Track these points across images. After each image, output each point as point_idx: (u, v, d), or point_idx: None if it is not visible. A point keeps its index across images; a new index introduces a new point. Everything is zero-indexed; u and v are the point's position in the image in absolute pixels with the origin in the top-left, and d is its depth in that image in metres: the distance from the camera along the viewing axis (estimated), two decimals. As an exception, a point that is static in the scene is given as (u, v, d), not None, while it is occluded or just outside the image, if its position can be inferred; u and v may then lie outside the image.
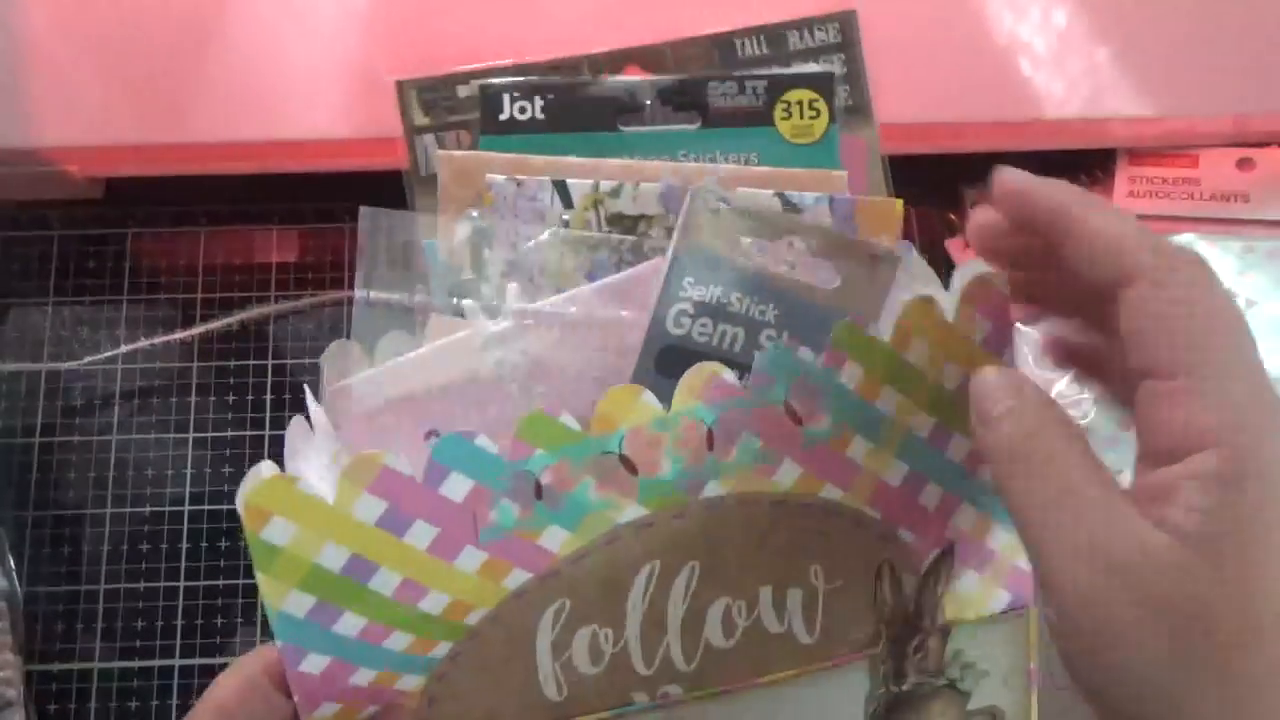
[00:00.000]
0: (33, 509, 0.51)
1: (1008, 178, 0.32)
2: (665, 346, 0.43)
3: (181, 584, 0.50)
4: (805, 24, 0.51)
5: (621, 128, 0.48)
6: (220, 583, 0.51)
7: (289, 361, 0.54)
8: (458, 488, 0.34)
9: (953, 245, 0.55)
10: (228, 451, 0.53)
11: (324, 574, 0.33)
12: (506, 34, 0.52)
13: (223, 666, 0.49)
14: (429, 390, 0.43)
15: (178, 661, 0.49)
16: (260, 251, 0.56)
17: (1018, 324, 0.53)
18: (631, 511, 0.35)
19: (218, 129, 0.52)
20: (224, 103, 0.52)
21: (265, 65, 0.52)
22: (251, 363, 0.54)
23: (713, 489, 0.36)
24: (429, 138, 0.49)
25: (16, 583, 0.49)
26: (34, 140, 0.51)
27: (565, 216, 0.46)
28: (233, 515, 0.51)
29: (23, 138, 0.51)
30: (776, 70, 0.50)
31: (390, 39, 0.52)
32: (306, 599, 0.33)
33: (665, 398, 0.38)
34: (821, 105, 0.48)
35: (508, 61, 0.49)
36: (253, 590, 0.50)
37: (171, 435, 0.53)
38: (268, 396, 0.53)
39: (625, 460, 0.35)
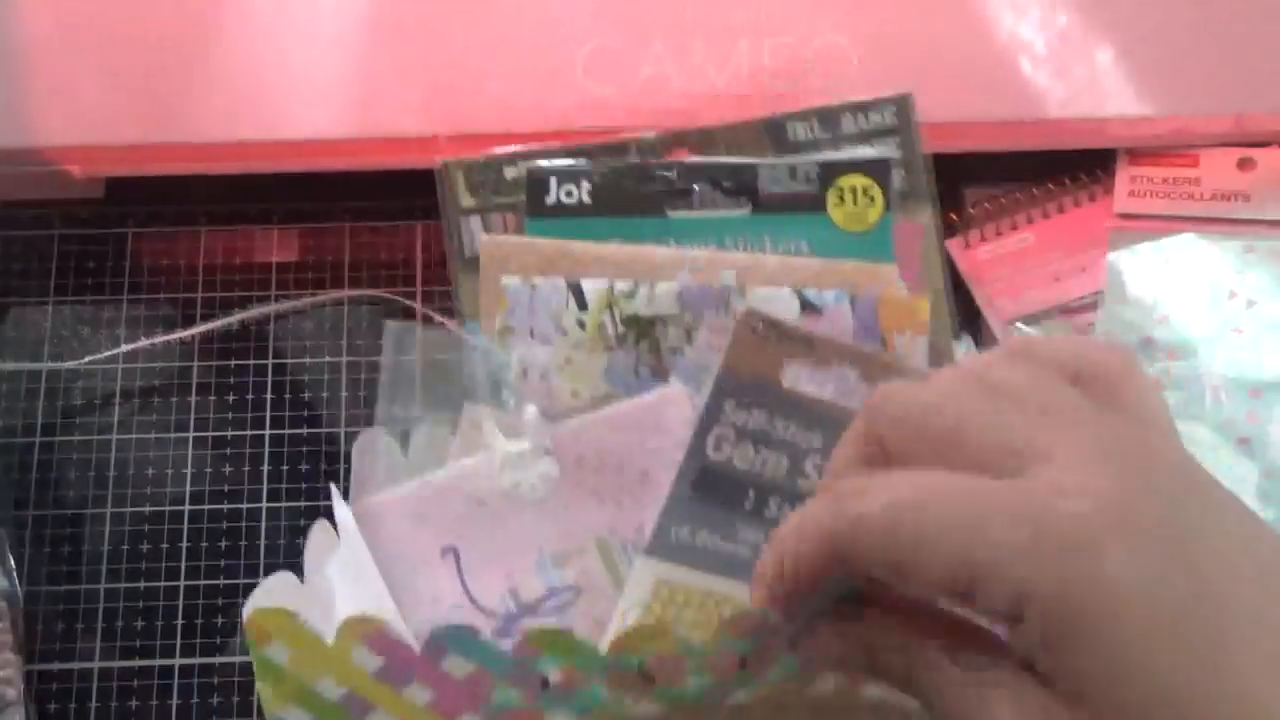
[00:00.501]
0: (33, 509, 0.51)
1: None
2: (704, 468, 0.42)
3: (181, 584, 0.50)
4: (860, 107, 0.49)
5: (669, 213, 0.47)
6: (220, 583, 0.51)
7: (289, 361, 0.54)
8: (458, 667, 0.32)
9: (953, 245, 0.55)
10: (228, 451, 0.53)
11: (321, 700, 0.33)
12: (507, 36, 0.52)
13: (223, 666, 0.49)
14: (447, 510, 0.43)
15: (178, 661, 0.49)
16: (260, 251, 0.56)
17: (1018, 323, 0.53)
18: (648, 708, 0.33)
19: (218, 129, 0.52)
20: (224, 103, 0.52)
21: (265, 65, 0.52)
22: (252, 362, 0.54)
23: (741, 697, 0.34)
24: (474, 219, 0.49)
25: (16, 583, 0.49)
26: (34, 140, 0.51)
27: (581, 318, 0.46)
28: (233, 515, 0.51)
29: (23, 137, 0.51)
30: (830, 155, 0.48)
31: (390, 39, 0.52)
32: (303, 715, 0.33)
33: (704, 522, 0.39)
34: (876, 192, 0.47)
35: (556, 143, 0.49)
36: (253, 590, 0.50)
37: (172, 435, 0.53)
38: (268, 396, 0.53)
39: (645, 673, 0.32)
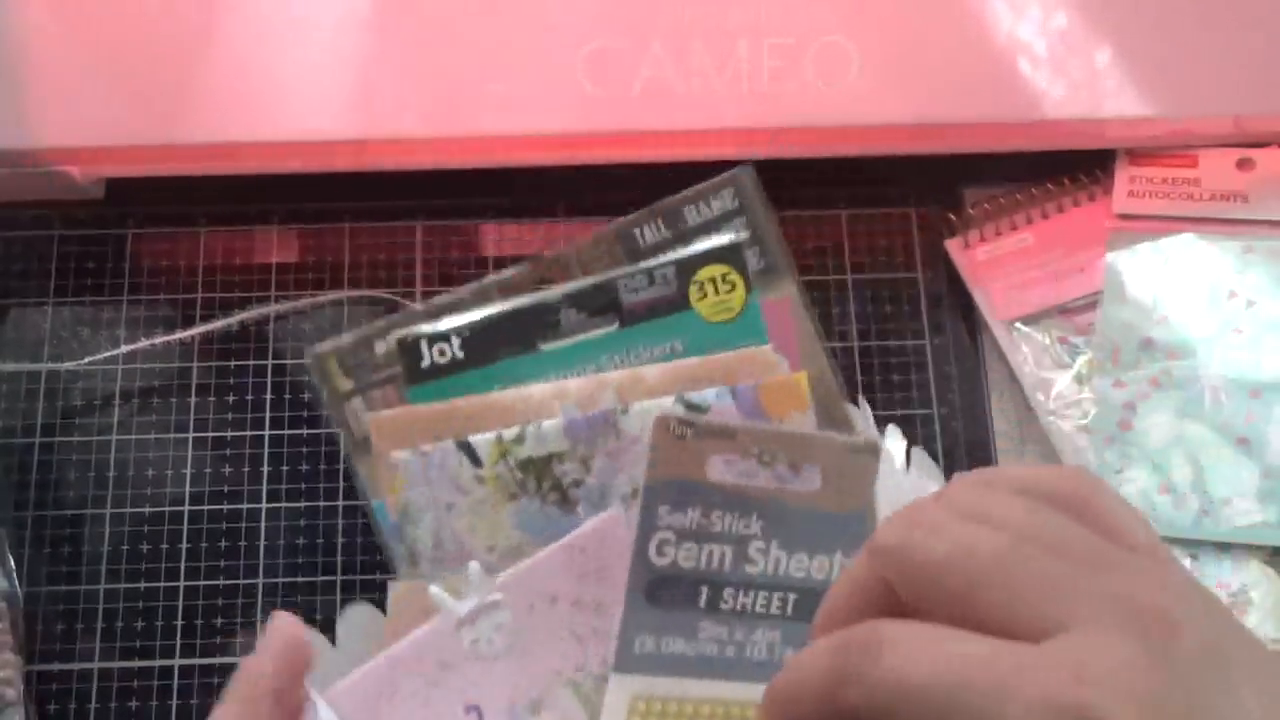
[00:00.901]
0: (33, 509, 0.51)
1: None
2: (653, 576, 0.42)
3: (181, 584, 0.50)
4: (699, 196, 0.50)
5: (541, 346, 0.48)
6: (220, 583, 0.51)
7: (289, 362, 0.54)
8: None
9: (952, 245, 0.55)
10: (228, 452, 0.53)
11: None
12: (507, 37, 0.52)
13: (223, 667, 0.49)
14: (415, 679, 0.43)
15: (178, 661, 0.49)
16: (260, 252, 0.56)
17: (1018, 323, 0.53)
18: None
19: (218, 129, 0.52)
20: (224, 103, 0.52)
21: (265, 65, 0.52)
22: (251, 363, 0.54)
23: None
24: (356, 401, 0.49)
25: (16, 583, 0.49)
26: (34, 141, 0.51)
27: (479, 474, 0.46)
28: (233, 515, 0.51)
29: (23, 139, 0.51)
30: (681, 253, 0.49)
31: (390, 40, 0.52)
32: None
33: (665, 628, 0.39)
34: (735, 277, 0.48)
35: (417, 306, 0.49)
36: (253, 590, 0.51)
37: (171, 435, 0.53)
38: (267, 396, 0.53)
39: None
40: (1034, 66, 0.52)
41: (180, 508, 0.52)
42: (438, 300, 0.49)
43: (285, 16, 0.52)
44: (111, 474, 0.52)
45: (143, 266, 0.55)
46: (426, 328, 0.48)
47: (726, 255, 0.48)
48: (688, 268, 0.48)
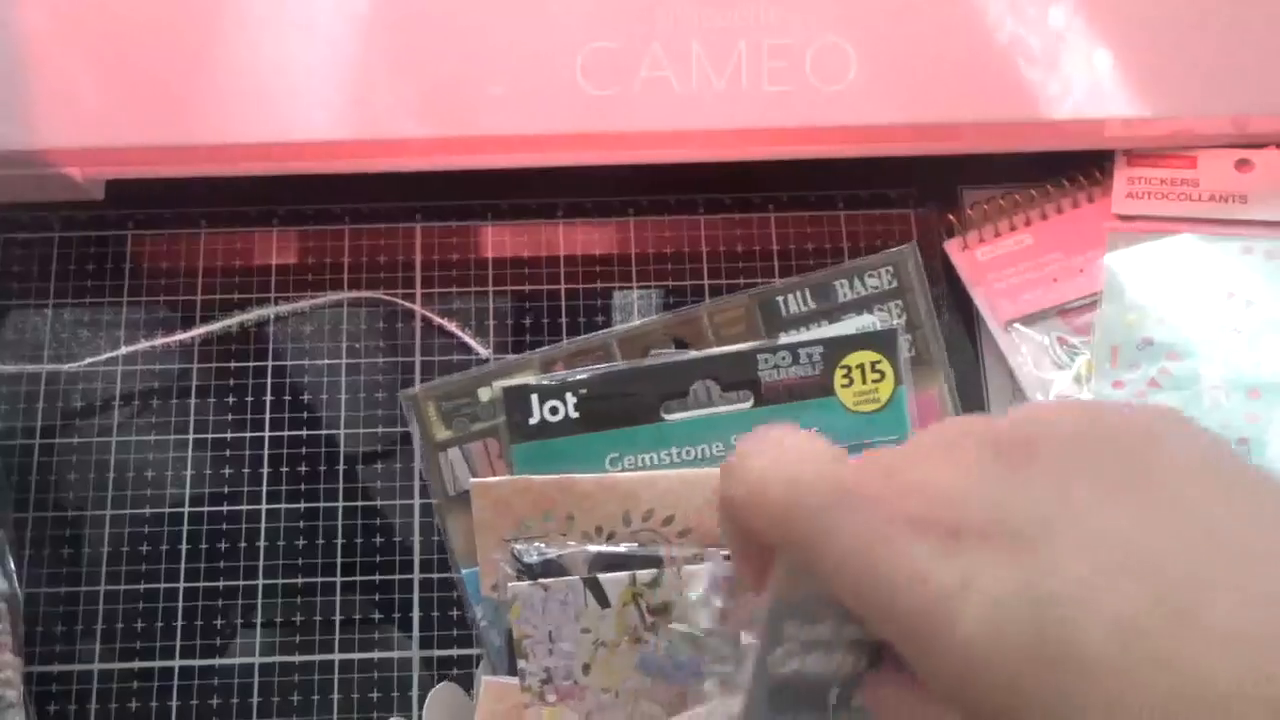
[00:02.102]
0: (33, 510, 0.51)
1: None
2: (775, 685, 0.39)
3: (181, 585, 0.50)
4: (854, 271, 0.46)
5: (665, 416, 0.43)
6: (220, 583, 0.51)
7: (289, 363, 0.54)
8: None
9: (951, 246, 0.55)
10: (228, 453, 0.53)
11: None
12: (507, 37, 0.52)
13: (223, 668, 0.49)
14: None
15: (178, 662, 0.49)
16: (260, 253, 0.56)
17: (1017, 324, 0.53)
18: None
19: (218, 130, 0.52)
20: (224, 103, 0.52)
21: (265, 66, 0.52)
22: (251, 364, 0.54)
23: None
24: (453, 452, 0.44)
25: (16, 583, 0.49)
26: (34, 142, 0.51)
27: (604, 615, 0.41)
28: (233, 516, 0.51)
29: (23, 140, 0.51)
30: (832, 333, 0.45)
31: (390, 40, 0.52)
32: None
33: None
34: (886, 366, 0.44)
35: (534, 353, 0.44)
36: (253, 591, 0.50)
37: (171, 437, 0.53)
38: (267, 398, 0.53)
39: None
40: (1033, 67, 0.53)
41: (180, 508, 0.52)
42: (552, 349, 0.45)
43: (285, 17, 0.52)
44: (111, 475, 0.52)
45: (143, 267, 0.55)
46: (538, 380, 0.44)
47: (880, 342, 0.44)
48: (836, 350, 0.44)
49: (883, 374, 0.44)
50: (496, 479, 0.42)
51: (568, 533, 0.42)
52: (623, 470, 0.42)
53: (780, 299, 0.46)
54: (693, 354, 0.44)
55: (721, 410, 0.43)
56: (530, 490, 0.41)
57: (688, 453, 0.44)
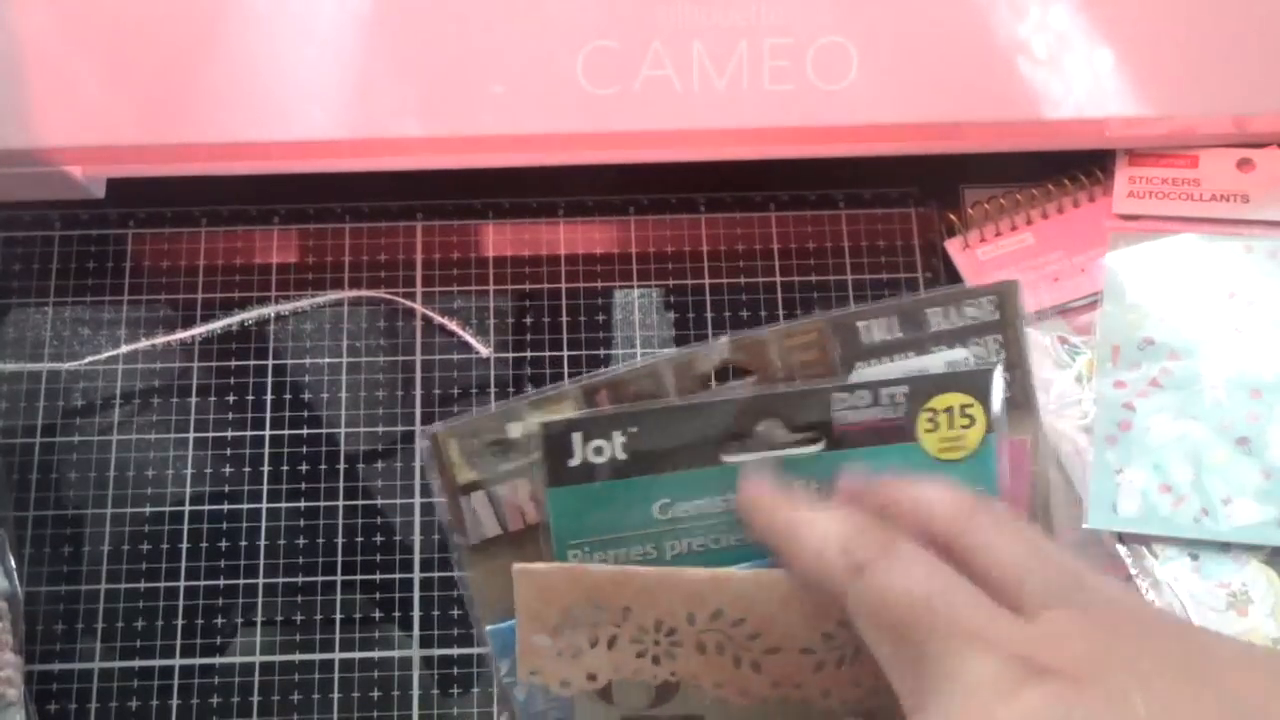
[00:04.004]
0: (33, 509, 0.51)
1: None
2: None
3: (181, 584, 0.50)
4: (951, 300, 0.40)
5: (724, 457, 0.38)
6: (220, 583, 0.51)
7: (289, 362, 0.54)
8: None
9: (952, 245, 0.55)
10: (228, 452, 0.53)
11: None
12: (507, 36, 0.52)
13: (223, 667, 0.49)
14: None
15: (178, 662, 0.49)
16: (260, 252, 0.56)
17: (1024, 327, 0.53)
18: None
19: (218, 129, 0.52)
20: (224, 103, 0.52)
21: (265, 65, 0.52)
22: (251, 363, 0.54)
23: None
24: (477, 496, 0.38)
25: (16, 583, 0.49)
26: (34, 141, 0.51)
27: None
28: (233, 515, 0.51)
29: (24, 138, 0.51)
30: (919, 367, 0.39)
31: (390, 40, 0.52)
32: None
33: None
34: (977, 411, 0.39)
35: (570, 384, 0.38)
36: (253, 590, 0.50)
37: (172, 436, 0.53)
38: (268, 397, 0.53)
39: None
40: (1034, 66, 0.52)
41: (180, 508, 0.52)
42: (595, 376, 0.38)
43: (285, 16, 0.52)
44: (111, 474, 0.52)
45: (143, 266, 0.55)
46: (582, 415, 0.38)
47: (974, 383, 0.38)
48: (923, 391, 0.38)
49: (973, 419, 0.38)
50: (544, 566, 0.37)
51: (621, 625, 0.37)
52: (671, 517, 0.38)
53: (862, 324, 0.39)
54: (758, 390, 0.38)
55: (788, 453, 0.38)
56: (579, 582, 0.37)
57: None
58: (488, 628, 0.39)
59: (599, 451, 0.37)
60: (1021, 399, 0.40)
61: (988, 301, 0.40)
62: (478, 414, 0.38)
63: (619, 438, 0.37)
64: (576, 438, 0.37)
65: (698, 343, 0.41)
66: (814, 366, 0.39)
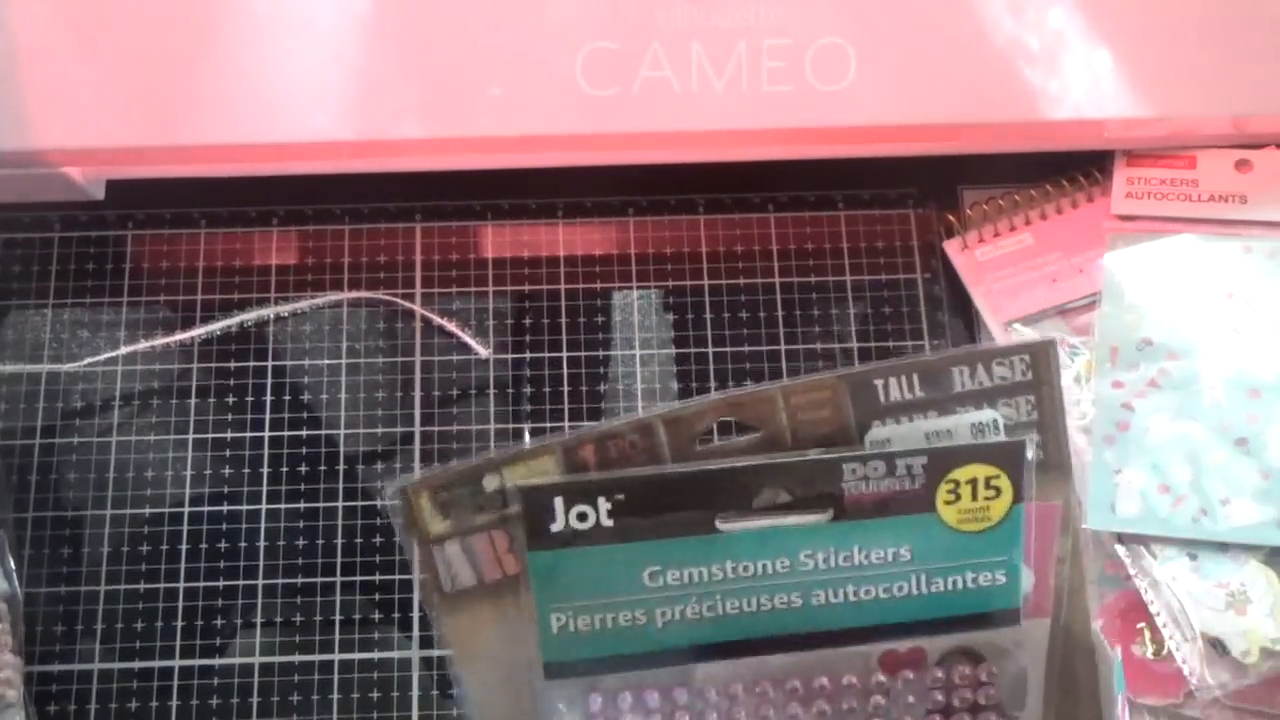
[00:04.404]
0: (33, 509, 0.51)
1: None
2: None
3: (181, 585, 0.50)
4: (980, 358, 0.36)
5: (721, 525, 0.35)
6: (220, 583, 0.51)
7: (289, 363, 0.54)
8: None
9: (951, 246, 0.55)
10: (227, 453, 0.53)
11: None
12: (507, 37, 0.52)
13: (223, 667, 0.49)
14: None
15: (178, 662, 0.49)
16: (259, 253, 0.56)
17: (1016, 324, 0.54)
18: None
19: (218, 130, 0.52)
20: (224, 103, 0.52)
21: (265, 66, 0.52)
22: (251, 364, 0.54)
23: None
24: (450, 546, 0.36)
25: (16, 584, 0.49)
26: (34, 142, 0.51)
27: None
28: (233, 516, 0.51)
29: (23, 140, 0.51)
30: (942, 433, 0.36)
31: (390, 41, 0.52)
32: None
33: None
34: (1004, 482, 0.35)
35: (553, 439, 0.35)
36: (253, 591, 0.50)
37: (171, 437, 0.53)
38: (267, 398, 0.53)
39: None
40: (1033, 67, 0.53)
41: (180, 508, 0.52)
42: (579, 433, 0.36)
43: (285, 17, 0.52)
44: (111, 475, 0.52)
45: (143, 267, 0.55)
46: (565, 480, 0.35)
47: (1001, 455, 0.35)
48: (944, 463, 0.35)
49: (998, 490, 0.35)
50: None
51: None
52: (663, 584, 0.35)
53: (879, 383, 0.36)
54: (760, 460, 0.35)
55: (792, 522, 0.35)
56: None
57: (745, 569, 0.36)
58: (456, 671, 0.37)
59: (583, 517, 0.35)
60: (1057, 459, 0.36)
61: (1019, 360, 0.36)
62: (451, 468, 0.36)
63: (605, 503, 0.35)
64: (559, 502, 0.34)
65: (695, 397, 0.38)
66: (824, 425, 0.36)
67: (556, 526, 0.35)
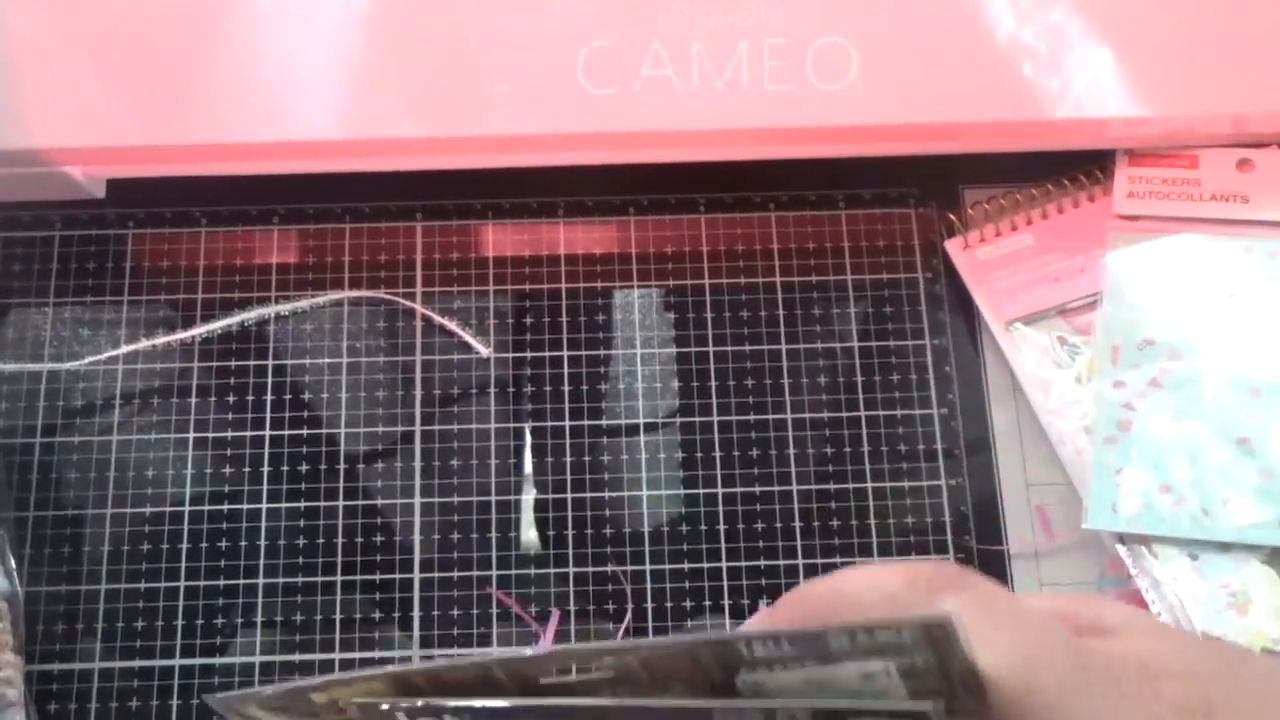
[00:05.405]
0: (33, 509, 0.51)
1: None
2: None
3: (181, 584, 0.50)
4: (859, 629, 0.28)
5: None
6: (220, 583, 0.51)
7: (289, 362, 0.54)
8: None
9: (952, 245, 0.55)
10: (228, 452, 0.53)
11: None
12: (506, 36, 0.52)
13: (223, 667, 0.49)
14: None
15: (178, 662, 0.49)
16: (260, 252, 0.56)
17: (1017, 324, 0.53)
18: None
19: (218, 129, 0.52)
20: (224, 103, 0.52)
21: (265, 65, 0.52)
22: (251, 363, 0.54)
23: None
24: None
25: (17, 583, 0.49)
26: (34, 141, 0.51)
27: None
28: (233, 515, 0.51)
29: (24, 139, 0.51)
30: (825, 696, 0.28)
31: (390, 40, 0.52)
32: None
33: None
34: None
35: (385, 669, 0.31)
36: (253, 591, 0.50)
37: (172, 436, 0.53)
38: (268, 398, 0.53)
39: None
40: (1033, 66, 0.52)
41: (180, 508, 0.52)
42: (411, 668, 0.32)
43: (285, 17, 0.52)
44: (111, 474, 0.52)
45: (143, 266, 0.55)
46: (403, 704, 0.31)
47: None
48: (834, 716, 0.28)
49: None
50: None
51: None
52: None
53: (742, 645, 0.28)
54: (616, 702, 0.30)
55: None
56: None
57: None
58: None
59: None
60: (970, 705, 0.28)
61: (915, 639, 0.27)
62: (281, 688, 0.32)
63: None
64: (401, 717, 0.30)
65: (534, 649, 0.35)
66: (684, 671, 0.30)
67: None
